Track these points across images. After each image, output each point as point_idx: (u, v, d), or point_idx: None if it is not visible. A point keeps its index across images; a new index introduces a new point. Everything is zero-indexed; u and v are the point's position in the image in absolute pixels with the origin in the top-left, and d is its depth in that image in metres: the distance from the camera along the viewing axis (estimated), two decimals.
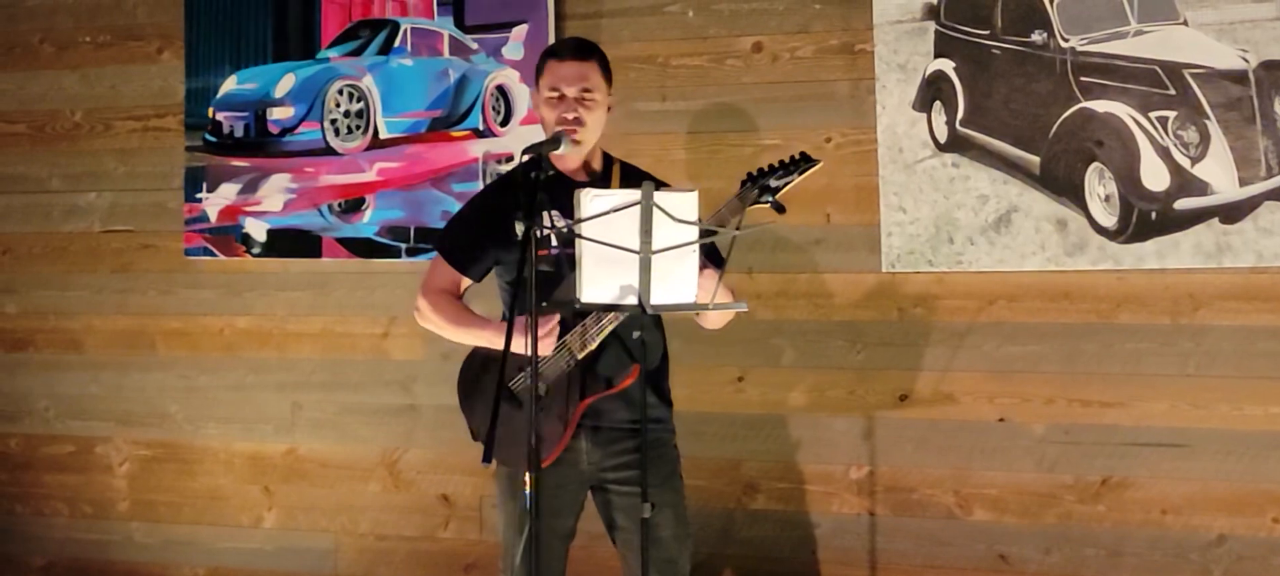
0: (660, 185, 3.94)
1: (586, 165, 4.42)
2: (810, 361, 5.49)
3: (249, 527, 6.22)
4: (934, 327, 5.34)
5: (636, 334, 4.25)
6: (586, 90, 4.32)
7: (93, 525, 6.44)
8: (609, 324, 4.26)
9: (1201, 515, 5.08)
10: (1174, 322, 5.08)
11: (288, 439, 6.16)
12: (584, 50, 4.38)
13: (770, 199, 4.22)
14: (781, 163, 4.27)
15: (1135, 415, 5.14)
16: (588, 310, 4.10)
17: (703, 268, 4.03)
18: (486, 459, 3.83)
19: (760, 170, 4.26)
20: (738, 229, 4.10)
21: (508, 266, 4.42)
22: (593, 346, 4.29)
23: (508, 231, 4.04)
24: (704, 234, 3.97)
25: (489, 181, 5.68)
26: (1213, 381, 5.05)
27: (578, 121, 4.30)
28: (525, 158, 4.05)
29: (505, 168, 5.70)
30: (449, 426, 5.74)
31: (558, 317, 4.25)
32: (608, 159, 4.49)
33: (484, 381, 4.38)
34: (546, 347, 4.23)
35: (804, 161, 4.27)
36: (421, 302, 4.50)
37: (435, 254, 4.61)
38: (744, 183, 4.26)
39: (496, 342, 4.21)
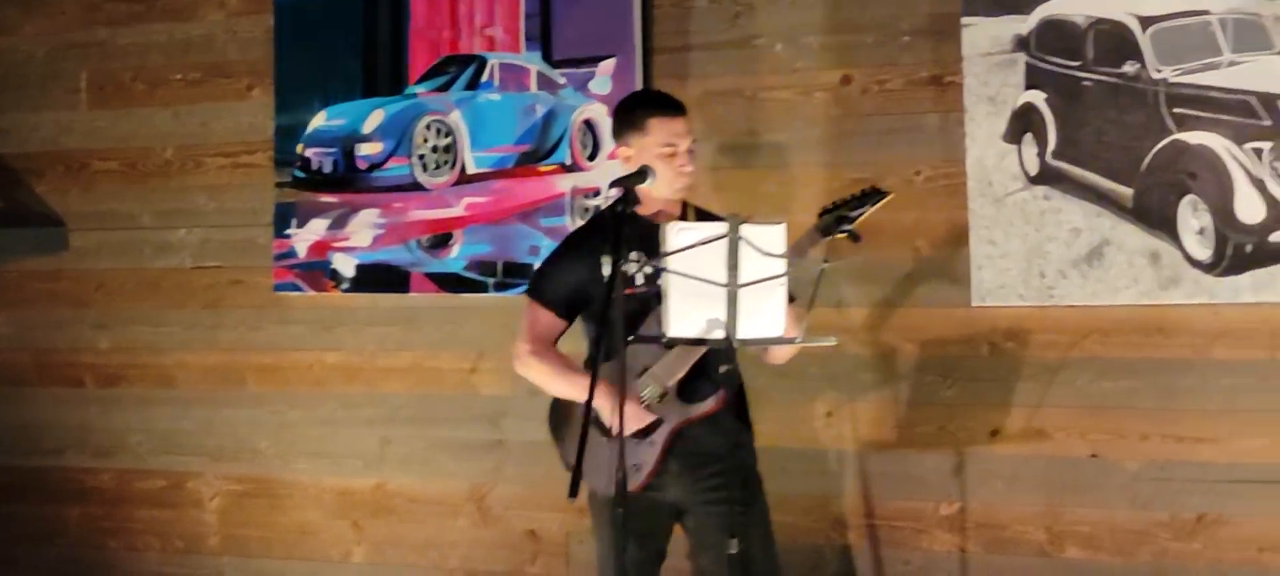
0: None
1: (664, 210, 4.53)
2: (900, 396, 5.44)
3: (338, 563, 6.24)
4: (1025, 362, 5.28)
5: (724, 368, 4.31)
6: (694, 141, 4.55)
7: (184, 560, 6.49)
8: (694, 356, 4.39)
9: None
10: (1271, 357, 4.99)
11: (377, 474, 6.18)
12: (682, 105, 4.59)
13: (847, 229, 4.41)
14: (853, 196, 4.47)
15: (1231, 451, 5.05)
16: (674, 344, 4.23)
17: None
18: (572, 494, 3.86)
19: (836, 203, 4.46)
20: (825, 262, 4.15)
21: (595, 306, 4.48)
22: (680, 375, 4.44)
23: (595, 270, 4.17)
24: (791, 266, 3.99)
25: (577, 218, 5.70)
26: None
27: (691, 173, 4.53)
28: (613, 191, 4.22)
29: (593, 203, 5.71)
30: (537, 462, 5.75)
31: (650, 419, 4.47)
32: (684, 204, 4.62)
33: (575, 412, 4.42)
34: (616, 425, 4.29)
35: (876, 194, 4.47)
36: (521, 349, 4.64)
37: (528, 299, 4.71)
38: (821, 215, 4.44)
39: (597, 398, 4.25)
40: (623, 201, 4.14)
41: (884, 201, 4.45)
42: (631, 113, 4.57)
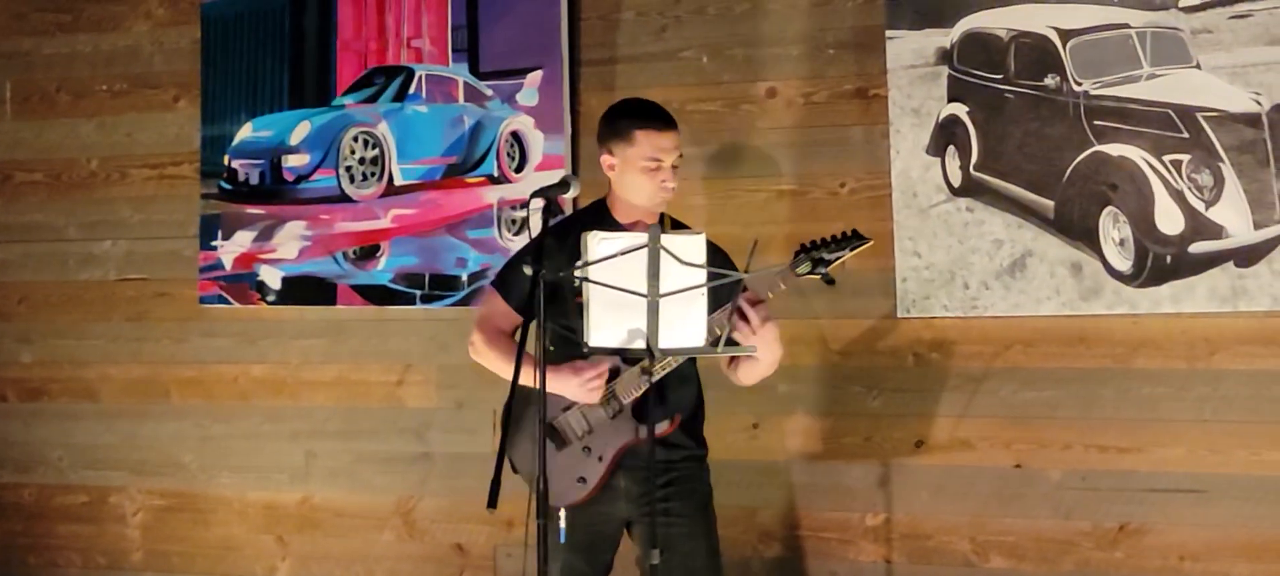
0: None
1: (642, 221, 4.47)
2: (826, 408, 5.46)
3: None
4: (950, 373, 5.30)
5: (643, 375, 4.32)
6: (679, 156, 4.49)
7: None
8: (656, 373, 4.30)
9: (1220, 561, 5.03)
10: (1190, 367, 5.04)
11: (302, 488, 6.14)
12: (672, 119, 4.51)
13: (822, 271, 4.34)
14: (834, 237, 4.37)
15: (1152, 461, 5.09)
16: (633, 358, 4.31)
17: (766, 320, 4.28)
18: (491, 504, 3.84)
19: (814, 242, 4.37)
20: (745, 272, 4.15)
21: (556, 307, 4.44)
22: (637, 394, 4.41)
23: (558, 270, 4.15)
24: (712, 278, 4.00)
25: (505, 229, 5.70)
26: (1230, 426, 5.00)
27: (673, 189, 4.47)
28: (540, 202, 4.18)
29: (519, 215, 5.70)
30: (464, 474, 5.75)
31: (608, 364, 4.41)
32: (661, 216, 4.55)
33: (526, 417, 4.40)
34: (594, 395, 4.41)
35: (856, 239, 4.38)
36: (475, 336, 4.62)
37: (490, 287, 4.73)
38: (797, 253, 4.36)
39: (556, 384, 4.31)
40: (548, 212, 4.13)
41: (863, 248, 4.39)
42: (618, 121, 4.50)
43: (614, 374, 4.41)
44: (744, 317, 4.21)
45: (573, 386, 4.37)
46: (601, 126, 4.56)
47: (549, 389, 4.23)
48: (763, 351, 4.30)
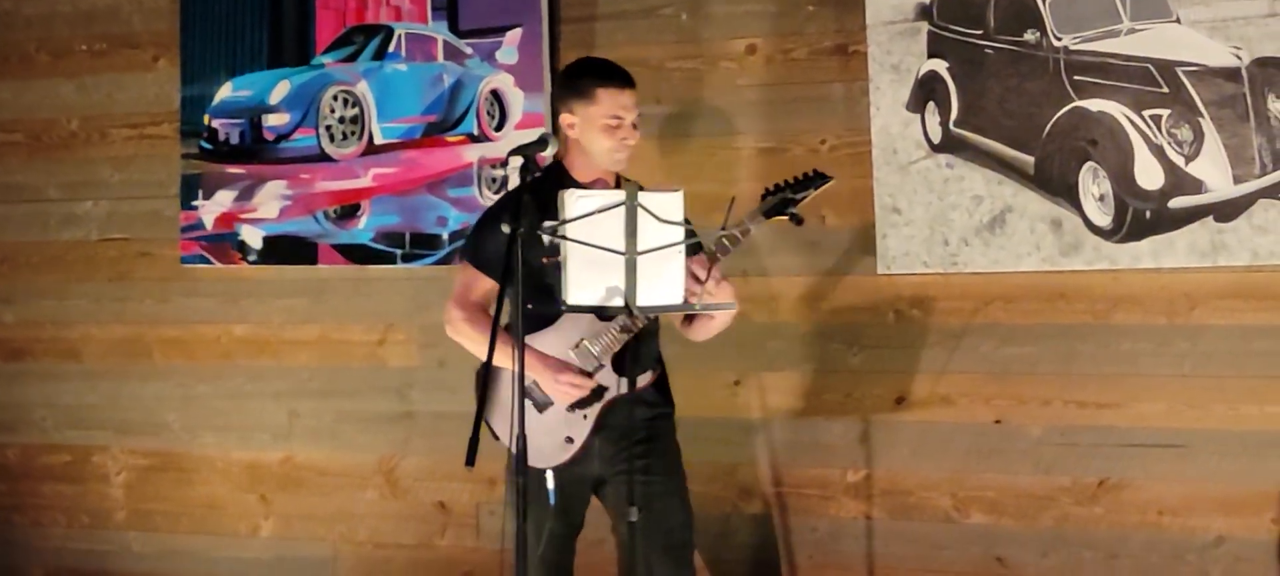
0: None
1: (602, 179, 4.49)
2: (806, 364, 5.47)
3: (246, 537, 6.21)
4: (930, 329, 5.31)
5: (621, 324, 4.36)
6: (638, 114, 4.50)
7: (90, 535, 6.44)
8: (631, 330, 4.35)
9: (1199, 516, 5.04)
10: (1170, 322, 5.05)
11: (284, 447, 6.15)
12: (631, 77, 4.52)
13: (791, 212, 4.38)
14: (797, 179, 4.43)
15: (1132, 416, 5.10)
16: (608, 314, 4.26)
17: (721, 279, 4.29)
18: (469, 462, 3.84)
19: (778, 184, 4.42)
20: (722, 229, 4.16)
21: (527, 267, 4.38)
22: (615, 349, 4.41)
23: (530, 234, 4.09)
24: (690, 234, 4.01)
25: (485, 188, 5.69)
26: (1209, 381, 5.01)
27: (633, 146, 4.48)
28: (518, 160, 4.19)
29: (499, 174, 5.69)
30: (446, 433, 5.75)
31: (592, 383, 4.42)
32: (617, 176, 4.55)
33: (504, 381, 4.43)
34: (562, 398, 4.43)
35: (818, 178, 4.45)
36: (454, 313, 4.57)
37: (462, 261, 4.69)
38: (764, 196, 4.40)
39: (534, 369, 4.36)
40: (526, 170, 4.13)
41: (826, 186, 4.46)
42: (578, 80, 4.51)
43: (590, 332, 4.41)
44: (697, 279, 4.18)
45: (547, 377, 4.39)
46: (560, 85, 4.58)
47: (527, 364, 4.23)
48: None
